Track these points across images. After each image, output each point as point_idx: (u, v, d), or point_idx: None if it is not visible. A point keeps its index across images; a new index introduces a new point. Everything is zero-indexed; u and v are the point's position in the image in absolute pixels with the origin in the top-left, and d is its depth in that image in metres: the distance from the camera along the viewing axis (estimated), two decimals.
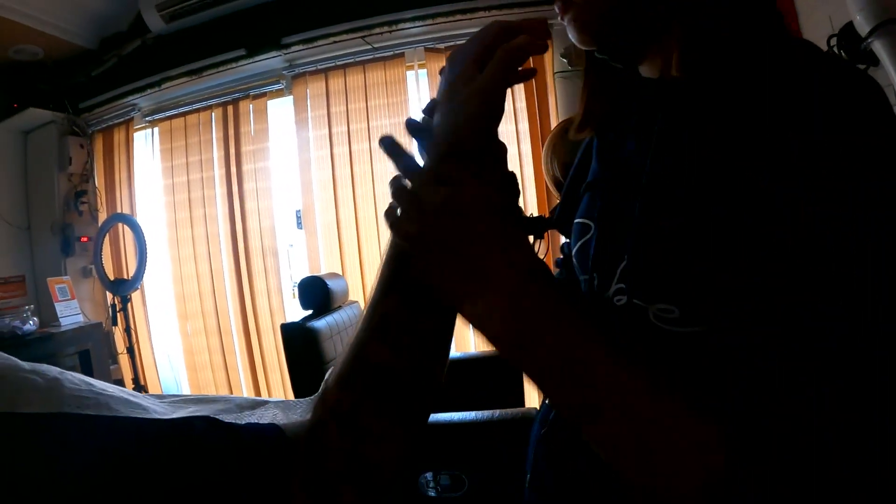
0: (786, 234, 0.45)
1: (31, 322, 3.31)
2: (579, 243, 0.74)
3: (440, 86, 0.56)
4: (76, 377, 0.62)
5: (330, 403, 0.54)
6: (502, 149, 0.57)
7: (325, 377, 0.63)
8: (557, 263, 0.87)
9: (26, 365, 0.60)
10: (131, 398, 0.64)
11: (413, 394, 0.56)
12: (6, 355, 0.60)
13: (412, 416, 0.56)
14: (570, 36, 0.67)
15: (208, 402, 0.65)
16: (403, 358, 0.54)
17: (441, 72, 0.56)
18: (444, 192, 0.49)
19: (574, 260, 0.76)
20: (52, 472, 0.44)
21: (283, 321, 3.59)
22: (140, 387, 3.82)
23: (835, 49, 1.79)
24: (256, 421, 0.69)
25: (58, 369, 0.62)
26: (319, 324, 2.39)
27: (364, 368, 0.54)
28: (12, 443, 0.46)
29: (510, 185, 0.56)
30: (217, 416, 0.56)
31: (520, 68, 0.53)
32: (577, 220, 0.75)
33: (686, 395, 0.44)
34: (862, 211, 0.43)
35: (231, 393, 3.85)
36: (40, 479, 0.44)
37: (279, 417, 0.62)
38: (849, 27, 1.70)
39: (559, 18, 0.67)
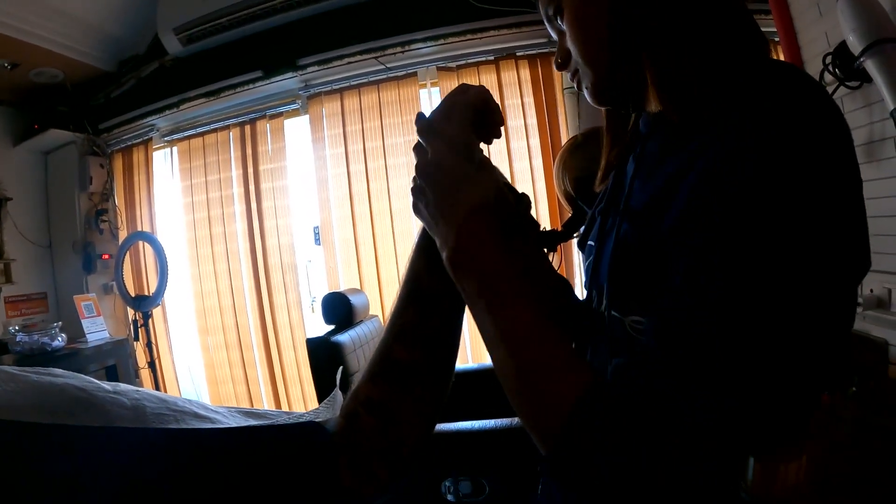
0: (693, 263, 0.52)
1: (59, 338, 3.40)
2: (587, 262, 0.83)
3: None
4: (151, 395, 0.70)
5: (362, 397, 0.67)
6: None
7: (337, 377, 0.74)
8: None
9: (107, 385, 0.68)
10: (200, 411, 0.72)
11: (429, 384, 0.69)
12: (88, 378, 0.68)
13: (430, 401, 0.69)
14: (588, 100, 0.77)
15: (264, 417, 0.74)
16: (418, 353, 0.67)
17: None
18: (421, 158, 0.68)
19: (585, 278, 0.85)
20: (142, 476, 0.56)
21: (302, 335, 3.68)
22: None
23: (830, 67, 1.88)
24: None
25: (133, 388, 0.70)
26: (343, 338, 2.48)
27: (390, 366, 0.67)
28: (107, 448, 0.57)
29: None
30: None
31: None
32: (588, 242, 0.84)
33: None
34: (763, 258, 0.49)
35: (251, 405, 3.93)
36: (135, 481, 0.55)
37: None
38: (844, 45, 1.77)
39: (576, 89, 0.78)
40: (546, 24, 0.78)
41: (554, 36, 0.78)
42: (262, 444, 0.64)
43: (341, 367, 0.82)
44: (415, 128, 0.71)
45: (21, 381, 0.61)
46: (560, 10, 0.72)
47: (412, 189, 0.68)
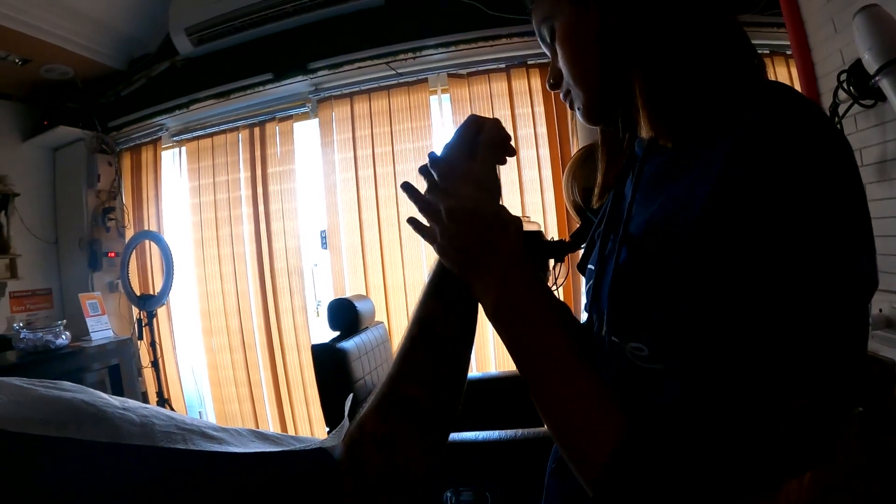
0: (712, 286, 0.52)
1: (63, 336, 3.37)
2: (587, 286, 0.83)
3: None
4: (159, 412, 0.69)
5: (368, 429, 0.67)
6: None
7: (347, 406, 0.74)
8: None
9: (116, 401, 0.68)
10: (208, 431, 0.72)
11: (435, 420, 0.70)
12: (98, 392, 0.68)
13: (435, 437, 0.70)
14: (580, 120, 0.78)
15: (273, 441, 0.74)
16: (428, 392, 0.69)
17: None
18: (449, 201, 0.67)
19: (586, 301, 0.84)
20: (147, 494, 0.55)
21: (306, 339, 3.67)
22: (164, 400, 3.91)
23: (844, 84, 1.87)
24: None
25: (141, 404, 0.69)
26: (348, 344, 2.47)
27: (396, 400, 0.68)
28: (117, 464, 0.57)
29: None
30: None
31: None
32: (588, 266, 0.84)
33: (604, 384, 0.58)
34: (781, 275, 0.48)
35: (254, 408, 3.95)
36: (140, 499, 0.54)
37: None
38: (859, 63, 1.76)
39: (569, 108, 0.79)
40: (540, 43, 0.79)
41: (549, 55, 0.78)
42: (267, 471, 0.63)
43: (351, 395, 0.82)
44: (427, 160, 0.72)
45: (29, 393, 0.61)
46: (553, 31, 0.73)
47: (441, 231, 0.68)
